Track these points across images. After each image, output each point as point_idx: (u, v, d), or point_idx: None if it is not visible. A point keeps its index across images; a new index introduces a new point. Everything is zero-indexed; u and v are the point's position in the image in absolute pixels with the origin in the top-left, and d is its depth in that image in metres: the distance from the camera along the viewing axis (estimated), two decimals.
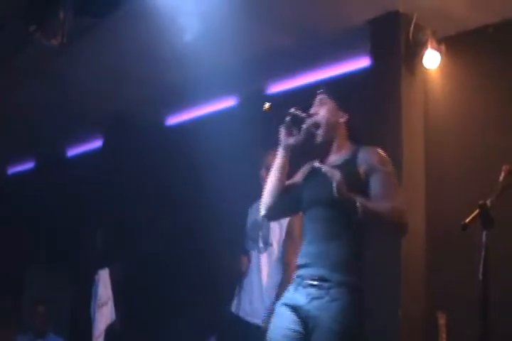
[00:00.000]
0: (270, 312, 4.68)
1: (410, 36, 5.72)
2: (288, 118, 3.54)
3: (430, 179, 5.66)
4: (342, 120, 3.60)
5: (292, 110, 3.54)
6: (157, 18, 5.78)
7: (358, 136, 3.70)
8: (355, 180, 3.32)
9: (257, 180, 5.08)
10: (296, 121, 3.54)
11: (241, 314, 5.22)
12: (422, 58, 5.67)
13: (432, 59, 5.68)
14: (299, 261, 3.48)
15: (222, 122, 7.48)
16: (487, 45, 5.64)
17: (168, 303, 7.65)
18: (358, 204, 3.13)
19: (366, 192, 3.33)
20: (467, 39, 5.78)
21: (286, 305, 3.39)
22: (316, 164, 3.32)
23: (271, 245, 5.14)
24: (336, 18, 5.91)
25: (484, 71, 5.64)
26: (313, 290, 3.30)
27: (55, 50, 6.13)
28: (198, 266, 7.39)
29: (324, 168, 3.19)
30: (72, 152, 10.39)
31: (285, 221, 5.02)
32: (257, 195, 5.29)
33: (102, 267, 7.74)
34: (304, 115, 3.55)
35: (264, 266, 5.14)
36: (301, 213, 3.74)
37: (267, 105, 3.52)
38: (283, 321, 3.36)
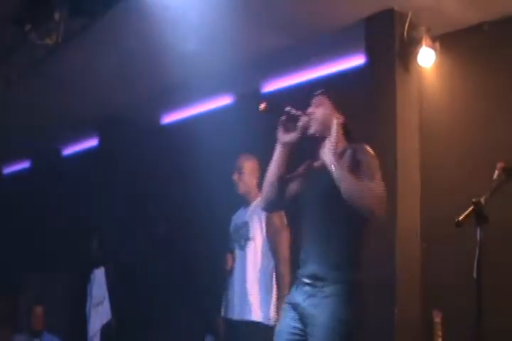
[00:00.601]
0: (277, 310, 4.86)
1: (405, 34, 5.71)
2: (283, 116, 3.58)
3: (425, 176, 5.67)
4: (338, 120, 3.61)
5: (288, 108, 3.58)
6: (152, 17, 5.78)
7: (353, 137, 3.76)
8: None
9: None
10: (292, 119, 3.58)
11: (230, 316, 5.22)
12: (416, 56, 5.66)
13: (426, 57, 5.67)
14: (300, 258, 3.57)
15: (217, 121, 7.48)
16: (482, 42, 5.63)
17: (162, 303, 7.65)
18: (333, 166, 3.29)
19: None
20: (462, 37, 5.78)
21: (289, 303, 3.51)
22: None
23: (252, 239, 5.16)
24: (331, 17, 5.91)
25: (479, 68, 5.64)
26: (309, 288, 3.41)
27: (50, 50, 6.13)
28: (191, 266, 7.39)
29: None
30: (68, 151, 10.38)
31: (262, 213, 5.05)
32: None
33: (97, 266, 7.74)
34: (299, 113, 3.59)
35: (250, 260, 5.15)
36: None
37: (262, 106, 3.56)
38: (286, 319, 3.49)
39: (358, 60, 6.26)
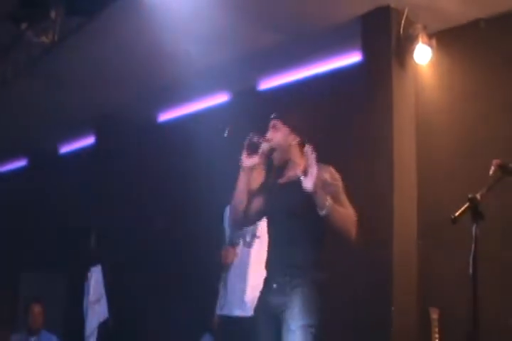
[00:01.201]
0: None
1: (401, 31, 5.72)
2: (246, 143, 3.88)
3: (421, 173, 5.67)
4: (294, 142, 3.91)
5: (250, 135, 3.88)
6: (148, 16, 5.78)
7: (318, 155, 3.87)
8: (308, 196, 3.60)
9: None
10: (253, 146, 3.88)
11: (226, 312, 5.22)
12: (413, 53, 5.67)
13: (423, 53, 5.67)
14: (268, 262, 3.96)
15: (214, 118, 7.47)
16: (478, 39, 5.64)
17: (160, 301, 7.66)
18: (328, 201, 3.56)
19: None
20: (458, 33, 5.78)
21: (262, 303, 3.88)
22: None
23: (258, 237, 5.16)
24: (327, 14, 5.91)
25: (475, 65, 5.65)
26: (277, 289, 3.77)
27: (47, 48, 6.12)
28: (189, 264, 7.39)
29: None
30: (64, 149, 10.38)
31: None
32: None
33: (94, 264, 7.74)
34: (260, 140, 3.89)
35: (254, 258, 5.15)
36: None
37: (226, 132, 3.89)
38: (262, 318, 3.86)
39: (354, 57, 6.27)
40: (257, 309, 3.94)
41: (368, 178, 5.64)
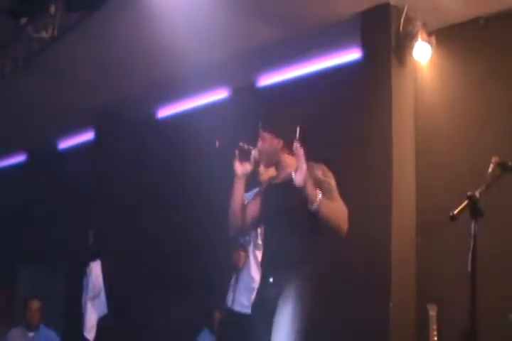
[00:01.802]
0: None
1: (401, 28, 5.73)
2: (237, 152, 4.04)
3: (420, 170, 5.68)
4: (279, 146, 3.99)
5: (241, 144, 4.05)
6: (147, 11, 5.78)
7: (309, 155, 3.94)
8: (301, 193, 3.65)
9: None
10: (244, 153, 4.04)
11: (236, 308, 5.27)
12: (412, 50, 5.67)
13: (422, 51, 5.68)
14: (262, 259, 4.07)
15: (213, 114, 7.48)
16: (478, 37, 5.65)
17: (160, 296, 7.66)
18: (318, 196, 3.60)
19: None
20: (458, 31, 5.79)
21: (259, 299, 3.92)
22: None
23: (244, 236, 5.21)
24: (327, 11, 5.91)
25: (475, 63, 5.65)
26: (273, 285, 3.79)
27: (46, 43, 6.12)
28: (190, 259, 7.40)
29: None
30: (64, 145, 10.37)
31: None
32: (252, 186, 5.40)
33: (93, 259, 7.74)
34: (250, 148, 4.04)
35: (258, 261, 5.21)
36: None
37: (217, 143, 4.05)
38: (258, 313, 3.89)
39: (354, 54, 6.26)
40: (254, 304, 3.98)
41: (366, 175, 5.65)
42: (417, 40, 5.63)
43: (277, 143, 3.99)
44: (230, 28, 6.27)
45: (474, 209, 3.02)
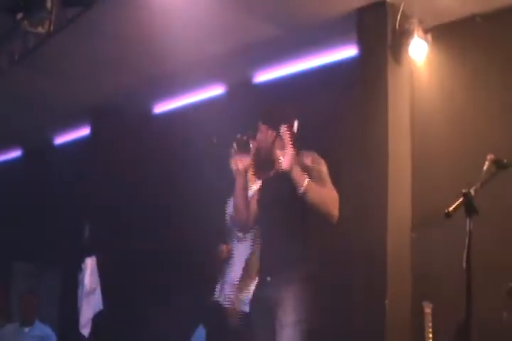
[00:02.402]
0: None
1: (397, 26, 5.72)
2: (235, 146, 3.96)
3: (416, 168, 5.69)
4: (272, 137, 3.94)
5: (238, 136, 3.96)
6: (143, 6, 5.78)
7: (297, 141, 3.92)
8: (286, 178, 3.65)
9: None
10: (242, 145, 3.94)
11: (222, 301, 5.27)
12: (408, 48, 5.67)
13: (418, 48, 5.67)
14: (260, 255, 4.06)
15: (209, 110, 7.48)
16: (474, 34, 5.65)
17: (155, 291, 7.67)
18: (306, 181, 3.58)
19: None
20: (454, 29, 5.78)
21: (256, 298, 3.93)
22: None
23: (249, 232, 5.20)
24: (323, 7, 5.91)
25: (471, 60, 5.65)
26: (271, 283, 3.77)
27: (42, 38, 6.11)
28: (185, 255, 7.40)
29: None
30: (59, 140, 10.36)
31: None
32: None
33: (89, 255, 7.74)
34: (248, 140, 3.96)
35: (242, 254, 5.20)
36: None
37: (213, 139, 4.03)
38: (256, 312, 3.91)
39: (350, 51, 6.27)
40: (251, 303, 3.98)
41: (362, 172, 5.66)
42: (413, 38, 5.63)
43: (271, 135, 3.95)
44: (226, 25, 6.26)
45: (469, 207, 3.03)
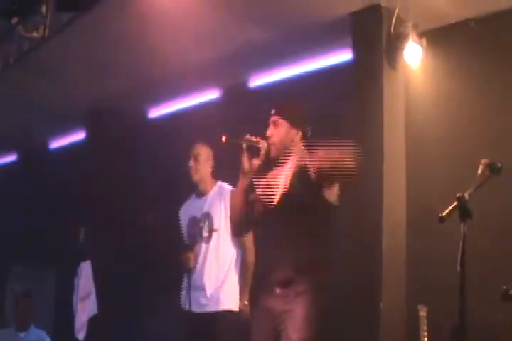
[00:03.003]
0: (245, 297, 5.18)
1: (392, 30, 5.72)
2: (244, 145, 3.76)
3: (410, 172, 5.69)
4: (298, 137, 3.87)
5: (247, 136, 3.77)
6: (138, 11, 5.79)
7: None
8: (307, 180, 3.56)
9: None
10: (253, 148, 3.77)
11: (195, 308, 5.24)
12: (403, 52, 5.67)
13: (413, 52, 5.67)
14: (266, 263, 3.93)
15: (204, 114, 7.49)
16: (468, 38, 5.65)
17: (150, 296, 7.67)
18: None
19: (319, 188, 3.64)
20: (449, 33, 5.79)
21: (264, 308, 3.79)
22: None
23: (215, 230, 5.19)
24: (317, 11, 5.91)
25: (465, 64, 5.66)
26: (281, 292, 3.66)
27: (37, 42, 6.12)
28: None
29: None
30: (55, 144, 10.36)
31: (227, 200, 5.10)
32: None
33: (84, 260, 7.73)
34: (258, 139, 3.78)
35: (214, 252, 5.21)
36: None
37: (224, 138, 3.74)
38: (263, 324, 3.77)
39: (344, 55, 6.27)
40: (255, 312, 3.91)
41: (357, 177, 5.65)
42: (407, 42, 5.63)
43: (295, 134, 3.84)
44: (221, 29, 6.27)
45: (463, 211, 3.04)
